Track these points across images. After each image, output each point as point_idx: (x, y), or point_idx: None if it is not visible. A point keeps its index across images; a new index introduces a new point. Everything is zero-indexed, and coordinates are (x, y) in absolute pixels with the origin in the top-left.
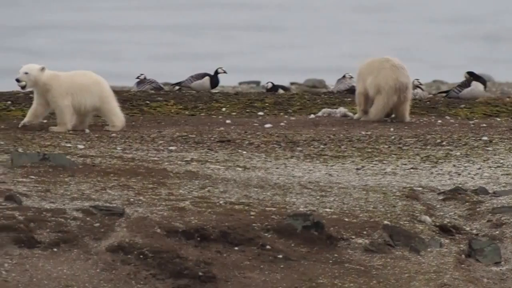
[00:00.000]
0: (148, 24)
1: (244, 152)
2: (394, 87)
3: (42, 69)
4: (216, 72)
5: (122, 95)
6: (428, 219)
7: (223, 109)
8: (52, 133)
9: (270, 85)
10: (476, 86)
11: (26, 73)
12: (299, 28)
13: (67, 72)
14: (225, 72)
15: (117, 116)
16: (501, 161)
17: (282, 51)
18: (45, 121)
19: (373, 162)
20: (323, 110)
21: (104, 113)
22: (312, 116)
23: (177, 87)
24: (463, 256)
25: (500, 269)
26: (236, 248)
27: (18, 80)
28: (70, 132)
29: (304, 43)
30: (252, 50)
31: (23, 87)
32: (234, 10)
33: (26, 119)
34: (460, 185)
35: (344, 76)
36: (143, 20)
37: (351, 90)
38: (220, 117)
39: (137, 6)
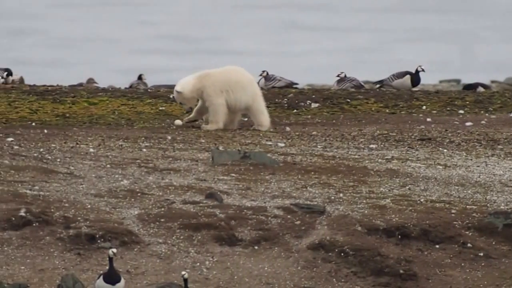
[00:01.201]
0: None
1: (445, 150)
2: None
3: (178, 92)
4: (417, 71)
5: (323, 94)
6: None
7: (424, 107)
8: (252, 131)
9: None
10: None
11: (181, 103)
12: (499, 26)
13: (218, 69)
14: (423, 70)
15: (265, 115)
16: None
17: (482, 48)
18: (245, 119)
19: None
20: None
21: (254, 112)
22: None
23: (378, 85)
24: None
25: None
26: (436, 246)
27: (187, 111)
28: (271, 130)
29: (504, 39)
30: (451, 48)
31: (188, 111)
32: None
33: (191, 116)
34: None
35: None
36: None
37: None
38: (421, 115)
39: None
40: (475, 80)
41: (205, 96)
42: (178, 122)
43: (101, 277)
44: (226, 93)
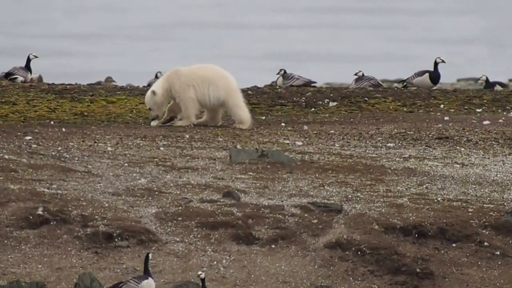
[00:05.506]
0: None
1: (462, 149)
2: None
3: (153, 92)
4: (436, 63)
5: (341, 92)
6: None
7: (441, 106)
8: (270, 130)
9: (484, 77)
10: None
11: (150, 109)
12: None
13: (191, 66)
14: (442, 61)
15: (244, 111)
16: None
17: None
18: (263, 117)
19: None
20: None
21: (230, 108)
22: None
23: (402, 85)
24: None
25: None
26: (453, 244)
27: (153, 118)
28: (289, 128)
29: None
30: (469, 47)
31: (154, 119)
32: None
33: (165, 116)
34: None
35: None
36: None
37: None
38: (438, 114)
39: None
40: (493, 79)
41: (174, 94)
42: (154, 123)
43: (149, 278)
44: (193, 88)
